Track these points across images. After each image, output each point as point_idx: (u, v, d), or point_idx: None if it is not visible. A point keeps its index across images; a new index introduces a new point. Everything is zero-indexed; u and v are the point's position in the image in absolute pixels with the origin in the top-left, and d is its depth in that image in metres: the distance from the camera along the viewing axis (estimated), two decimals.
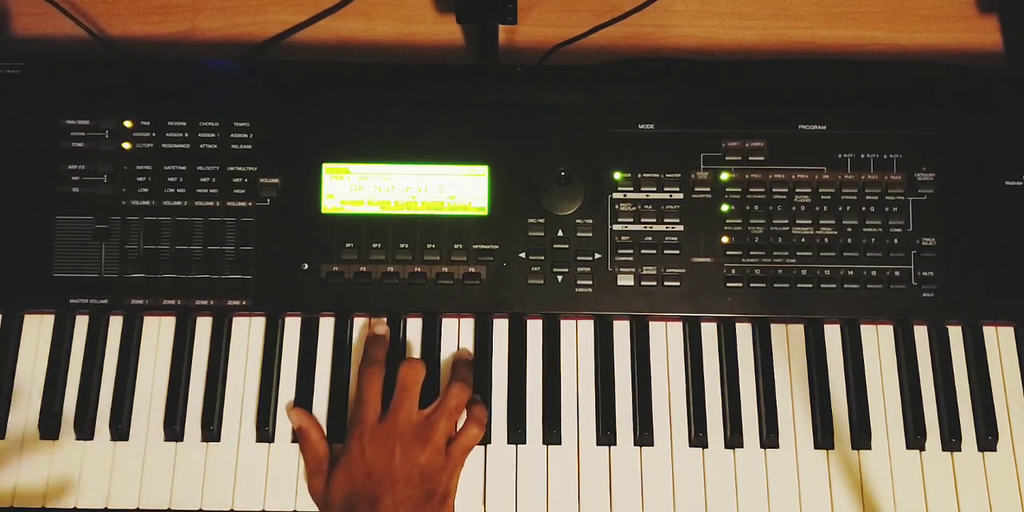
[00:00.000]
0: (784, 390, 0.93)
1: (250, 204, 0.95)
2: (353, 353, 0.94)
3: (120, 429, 0.91)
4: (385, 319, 0.94)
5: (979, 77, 1.03)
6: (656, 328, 0.95)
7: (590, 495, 0.90)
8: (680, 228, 0.95)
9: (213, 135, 0.96)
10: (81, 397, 0.92)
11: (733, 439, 0.91)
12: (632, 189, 0.95)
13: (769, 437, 0.91)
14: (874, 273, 0.94)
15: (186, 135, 0.96)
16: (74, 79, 0.97)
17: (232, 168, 0.95)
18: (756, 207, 0.95)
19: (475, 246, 0.94)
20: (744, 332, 0.95)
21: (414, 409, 0.89)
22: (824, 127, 0.96)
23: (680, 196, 0.95)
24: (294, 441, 0.91)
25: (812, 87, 1.01)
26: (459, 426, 0.90)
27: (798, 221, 0.95)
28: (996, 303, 0.94)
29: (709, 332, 0.95)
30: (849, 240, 0.95)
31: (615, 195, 0.95)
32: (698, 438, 0.91)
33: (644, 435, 0.91)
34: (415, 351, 0.94)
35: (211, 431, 0.91)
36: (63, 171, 0.95)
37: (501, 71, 1.03)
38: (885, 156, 0.96)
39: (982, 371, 0.93)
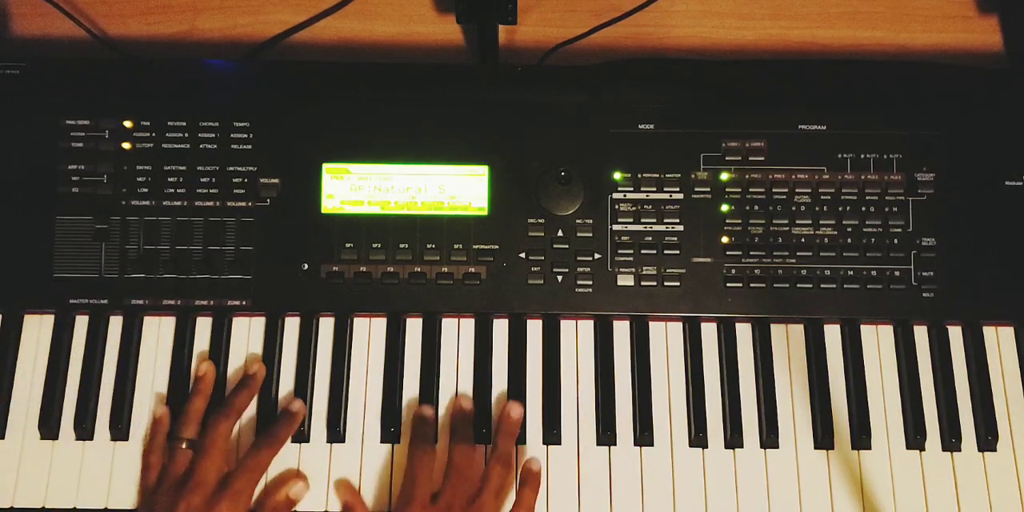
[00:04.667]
0: (784, 390, 0.93)
1: (250, 204, 0.95)
2: (353, 353, 0.94)
3: (120, 429, 0.91)
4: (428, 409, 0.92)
5: (979, 77, 1.03)
6: (656, 328, 0.95)
7: (590, 495, 0.90)
8: (680, 228, 0.95)
9: (213, 135, 0.96)
10: (81, 397, 0.92)
11: (733, 439, 0.91)
12: (632, 189, 0.95)
13: (769, 437, 0.91)
14: (874, 273, 0.94)
15: (186, 135, 0.96)
16: (74, 79, 0.97)
17: (232, 168, 0.95)
18: (756, 207, 0.95)
19: (475, 246, 0.94)
20: (744, 332, 0.95)
21: (467, 494, 0.87)
22: (824, 127, 0.96)
23: (680, 196, 0.95)
24: (294, 441, 0.91)
25: (812, 87, 1.01)
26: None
27: (798, 221, 0.95)
28: (996, 303, 0.94)
29: (709, 332, 0.95)
30: (849, 240, 0.95)
31: (615, 195, 0.95)
32: (698, 438, 0.91)
33: (644, 435, 0.91)
34: (415, 351, 0.94)
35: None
36: (63, 171, 0.95)
37: (501, 71, 1.03)
38: (885, 156, 0.96)
39: (982, 371, 0.93)
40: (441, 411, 0.92)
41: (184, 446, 0.87)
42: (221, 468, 0.87)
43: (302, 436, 0.91)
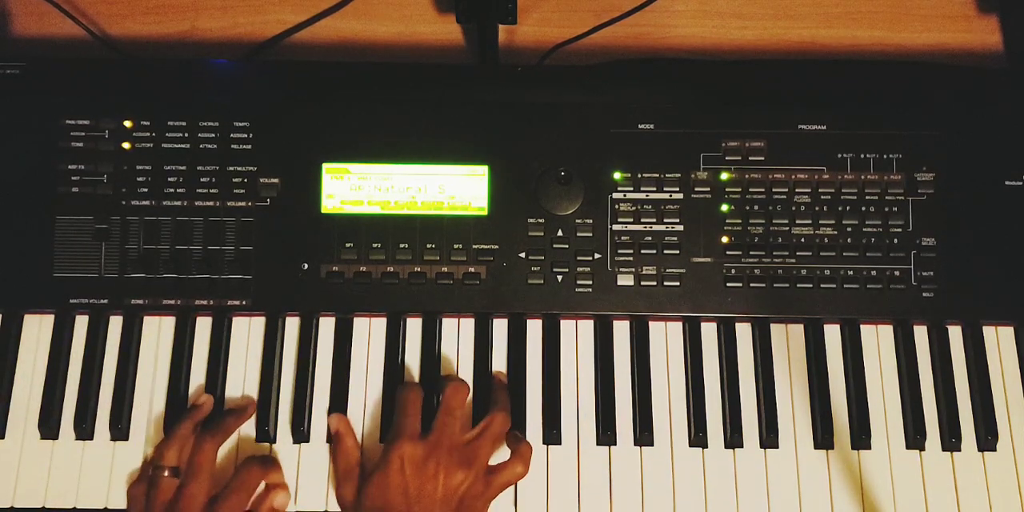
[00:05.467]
0: (784, 390, 0.93)
1: (250, 204, 0.95)
2: (353, 353, 0.94)
3: (120, 429, 0.91)
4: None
5: (979, 77, 1.03)
6: (656, 328, 0.95)
7: (590, 495, 0.90)
8: (680, 228, 0.95)
9: (213, 135, 0.96)
10: (81, 397, 0.92)
11: (733, 439, 0.91)
12: (632, 189, 0.95)
13: (769, 437, 0.91)
14: (874, 273, 0.94)
15: (186, 135, 0.96)
16: (74, 79, 0.97)
17: (232, 168, 0.95)
18: (756, 207, 0.95)
19: (475, 246, 0.94)
20: (744, 332, 0.95)
21: (457, 431, 0.87)
22: (824, 127, 0.96)
23: (680, 196, 0.95)
24: (295, 442, 0.91)
25: (812, 87, 1.01)
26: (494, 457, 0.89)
27: (798, 221, 0.95)
28: (996, 303, 0.94)
29: (709, 332, 0.95)
30: (849, 240, 0.95)
31: (615, 195, 0.95)
32: (698, 438, 0.91)
33: (644, 435, 0.91)
34: (415, 351, 0.94)
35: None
36: (63, 171, 0.95)
37: (501, 71, 1.03)
38: (885, 156, 0.96)
39: (982, 371, 0.93)
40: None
41: (167, 474, 0.85)
42: (208, 492, 0.85)
43: (302, 436, 0.91)
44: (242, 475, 0.87)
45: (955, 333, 0.95)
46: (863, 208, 0.95)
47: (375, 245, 0.94)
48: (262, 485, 0.88)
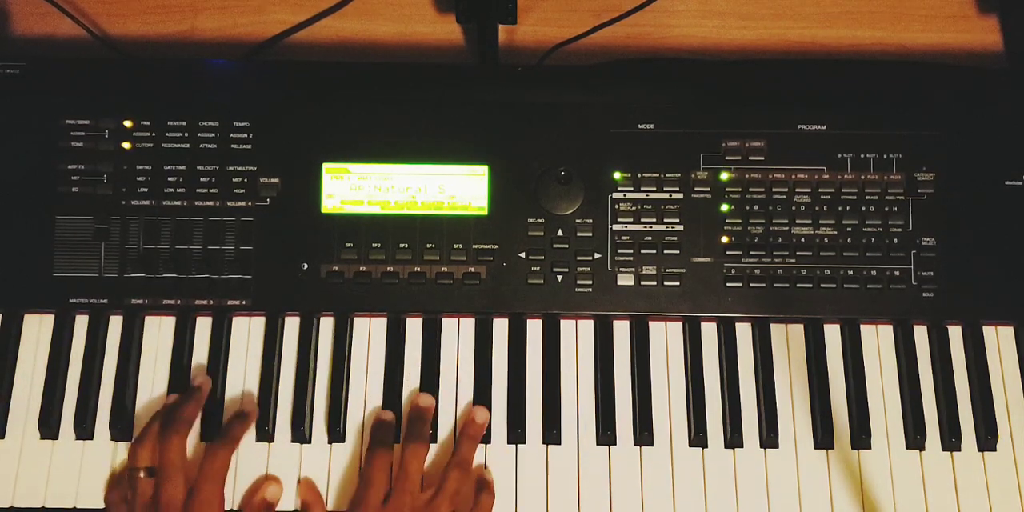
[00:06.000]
0: (784, 390, 0.93)
1: (250, 204, 0.95)
2: (353, 353, 0.94)
3: (120, 429, 0.91)
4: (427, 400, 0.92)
5: (979, 77, 1.03)
6: (656, 328, 0.95)
7: (590, 495, 0.90)
8: (680, 228, 0.95)
9: (213, 135, 0.96)
10: (81, 397, 0.92)
11: (733, 439, 0.91)
12: (632, 189, 0.95)
13: (769, 437, 0.91)
14: (874, 273, 0.94)
15: (186, 135, 0.96)
16: (74, 79, 0.97)
17: (232, 168, 0.95)
18: (756, 207, 0.95)
19: (475, 246, 0.94)
20: (744, 332, 0.95)
21: (416, 495, 0.87)
22: (824, 127, 0.96)
23: (680, 196, 0.95)
24: (294, 441, 0.91)
25: (812, 87, 1.00)
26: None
27: (798, 221, 0.95)
28: (996, 303, 0.94)
29: (709, 332, 0.95)
30: (849, 240, 0.95)
31: (615, 195, 0.95)
32: (698, 438, 0.91)
33: (644, 435, 0.91)
34: (415, 351, 0.94)
35: (211, 431, 0.91)
36: (63, 171, 0.95)
37: (501, 71, 1.03)
38: (885, 156, 0.96)
39: (982, 371, 0.93)
40: (441, 411, 0.92)
41: (142, 475, 0.85)
42: (185, 484, 0.85)
43: (301, 436, 0.91)
44: (206, 465, 0.86)
45: (955, 333, 0.95)
46: (863, 208, 0.95)
47: (375, 245, 0.94)
48: (255, 479, 0.89)
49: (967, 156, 0.96)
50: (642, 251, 0.94)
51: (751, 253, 0.94)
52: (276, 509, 0.88)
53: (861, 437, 0.91)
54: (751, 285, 0.94)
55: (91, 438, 0.91)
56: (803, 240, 0.95)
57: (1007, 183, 0.95)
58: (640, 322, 0.95)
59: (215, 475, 0.85)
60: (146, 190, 0.95)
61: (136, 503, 0.85)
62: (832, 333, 0.95)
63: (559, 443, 0.91)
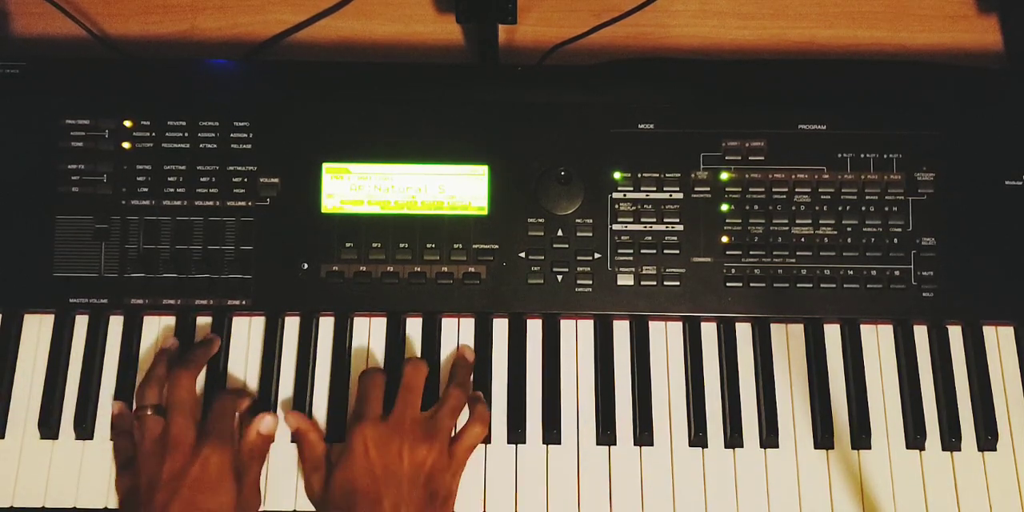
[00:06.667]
0: (784, 390, 0.93)
1: (250, 204, 0.95)
2: (353, 353, 0.94)
3: None
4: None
5: (979, 77, 1.03)
6: (656, 328, 0.95)
7: (590, 495, 0.90)
8: (680, 228, 0.95)
9: (213, 135, 0.96)
10: (81, 397, 0.92)
11: (733, 439, 0.91)
12: (632, 189, 0.95)
13: (769, 437, 0.91)
14: (874, 273, 0.94)
15: (186, 135, 0.96)
16: (74, 79, 0.97)
17: (232, 168, 0.95)
18: (756, 207, 0.95)
19: (475, 246, 0.94)
20: (744, 332, 0.95)
21: (418, 409, 0.89)
22: (824, 127, 0.96)
23: (680, 196, 0.95)
24: (294, 441, 0.91)
25: (812, 87, 1.01)
26: (459, 426, 0.90)
27: (798, 221, 0.95)
28: (996, 303, 0.94)
29: (709, 332, 0.95)
30: (849, 240, 0.95)
31: (615, 195, 0.95)
32: (698, 438, 0.91)
33: (644, 435, 0.91)
34: (415, 351, 0.94)
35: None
36: (63, 171, 0.95)
37: (501, 71, 1.04)
38: (885, 156, 0.96)
39: (982, 371, 0.93)
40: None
41: (151, 412, 0.87)
42: (195, 423, 0.86)
43: (301, 436, 0.91)
44: (217, 404, 0.88)
45: (955, 333, 0.95)
46: (863, 208, 0.95)
47: (375, 245, 0.94)
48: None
49: (967, 156, 0.96)
50: (642, 251, 0.94)
51: (751, 253, 0.94)
52: None
53: (861, 437, 0.91)
54: (751, 285, 0.94)
55: (91, 438, 0.91)
56: (803, 240, 0.95)
57: (1007, 183, 0.95)
58: (640, 322, 0.95)
59: (181, 403, 0.86)
60: (146, 190, 0.95)
61: (145, 439, 0.85)
62: (832, 333, 0.95)
63: (559, 443, 0.91)
